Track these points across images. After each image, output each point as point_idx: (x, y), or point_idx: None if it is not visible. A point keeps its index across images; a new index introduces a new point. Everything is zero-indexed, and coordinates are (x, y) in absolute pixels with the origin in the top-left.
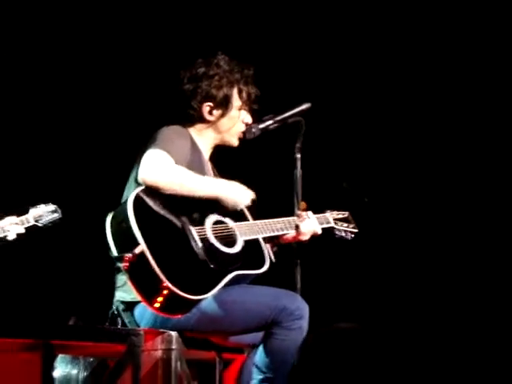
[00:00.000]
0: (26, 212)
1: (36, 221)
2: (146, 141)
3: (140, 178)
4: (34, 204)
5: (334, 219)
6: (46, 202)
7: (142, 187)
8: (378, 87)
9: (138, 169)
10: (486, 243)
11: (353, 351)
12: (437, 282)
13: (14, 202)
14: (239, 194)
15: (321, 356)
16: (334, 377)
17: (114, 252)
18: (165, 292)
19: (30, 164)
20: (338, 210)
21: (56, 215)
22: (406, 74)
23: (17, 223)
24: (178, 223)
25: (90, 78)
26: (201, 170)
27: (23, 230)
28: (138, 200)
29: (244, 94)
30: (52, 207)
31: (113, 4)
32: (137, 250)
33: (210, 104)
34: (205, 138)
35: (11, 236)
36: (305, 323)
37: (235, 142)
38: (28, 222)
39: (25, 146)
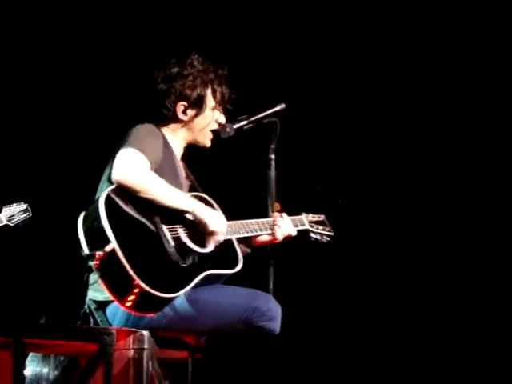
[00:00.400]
0: None
1: (8, 220)
2: (120, 139)
3: (113, 178)
4: (5, 203)
5: (310, 222)
6: (17, 200)
7: (115, 186)
8: (351, 88)
9: (111, 168)
10: (466, 243)
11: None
12: (412, 282)
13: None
14: (211, 220)
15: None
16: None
17: (86, 250)
18: (136, 290)
19: (2, 162)
20: (314, 213)
21: (27, 214)
22: (381, 75)
23: None
24: (150, 222)
25: (61, 78)
26: (173, 170)
27: None
28: (110, 199)
29: (218, 94)
30: (23, 206)
31: (84, 5)
32: (108, 248)
33: (184, 104)
34: (177, 138)
35: None
36: (277, 324)
37: (208, 143)
38: (1, 222)
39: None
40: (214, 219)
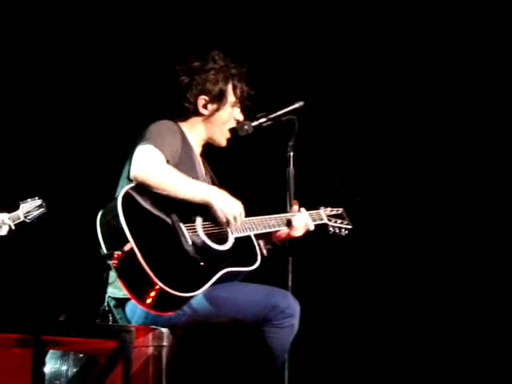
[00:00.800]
0: (17, 208)
1: (25, 217)
2: (136, 135)
3: (131, 175)
4: (22, 198)
5: (328, 216)
6: (33, 195)
7: (133, 184)
8: (370, 86)
9: (129, 165)
10: (479, 242)
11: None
12: (430, 280)
13: (4, 196)
14: (227, 206)
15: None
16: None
17: (104, 249)
18: (154, 290)
19: (23, 159)
20: (332, 207)
21: (42, 210)
22: (399, 73)
23: (8, 219)
24: (168, 220)
25: (80, 72)
26: (191, 166)
27: (13, 227)
28: (127, 197)
29: (238, 91)
30: (38, 202)
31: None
32: (126, 248)
33: (205, 98)
34: (196, 134)
35: (2, 232)
36: (295, 321)
37: (224, 142)
38: (18, 219)
39: (16, 141)
40: (231, 206)
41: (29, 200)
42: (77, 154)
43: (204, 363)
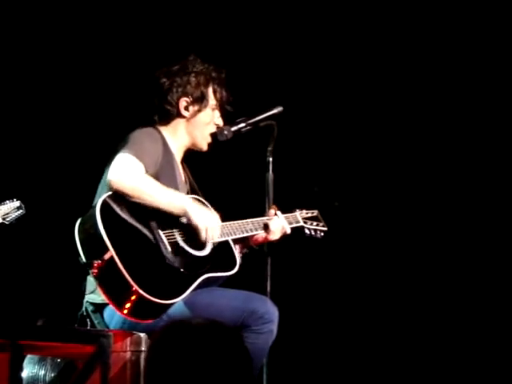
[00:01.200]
0: None
1: (3, 219)
2: (117, 142)
3: (108, 183)
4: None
5: (304, 218)
6: (15, 197)
7: (111, 192)
8: (348, 89)
9: (107, 172)
10: (470, 243)
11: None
12: (406, 282)
13: None
14: (203, 219)
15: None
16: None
17: (83, 257)
18: (134, 297)
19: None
20: (307, 209)
21: (21, 211)
22: (376, 75)
23: None
24: (147, 227)
25: (63, 76)
26: (172, 174)
27: None
28: (106, 205)
29: (218, 94)
30: (17, 203)
31: (85, 6)
32: (106, 256)
33: (187, 99)
34: (178, 139)
35: None
36: (274, 327)
37: (205, 146)
38: None
39: None
40: (206, 220)
41: (7, 201)
42: (58, 157)
43: (182, 366)
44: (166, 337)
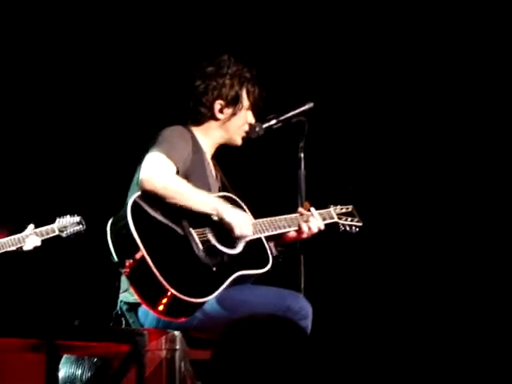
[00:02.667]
0: (53, 221)
1: (60, 231)
2: (147, 142)
3: (139, 184)
4: (53, 214)
5: (338, 214)
6: (61, 212)
7: (140, 191)
8: (378, 88)
9: (138, 172)
10: (482, 243)
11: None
12: (435, 279)
13: (40, 210)
14: (236, 220)
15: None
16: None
17: (115, 257)
18: (167, 296)
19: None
20: (342, 205)
21: (80, 227)
22: (406, 76)
23: (36, 234)
24: (178, 226)
25: (96, 81)
26: (202, 170)
27: (39, 243)
28: (137, 205)
29: (252, 95)
30: (77, 219)
31: (120, 5)
32: (137, 256)
33: (222, 102)
34: (210, 137)
35: (27, 247)
36: (309, 322)
37: (239, 142)
38: (52, 232)
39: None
40: (239, 220)
41: (67, 216)
42: (97, 163)
43: (252, 361)
44: (232, 334)
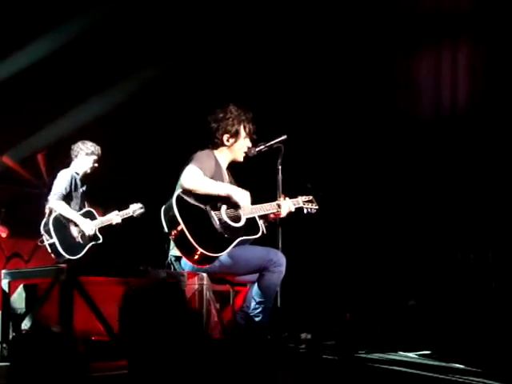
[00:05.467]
0: (127, 207)
1: (133, 213)
2: (187, 159)
3: (181, 184)
4: (127, 202)
5: (303, 201)
6: (133, 201)
7: (181, 189)
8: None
9: (180, 177)
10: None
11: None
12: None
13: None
14: (240, 196)
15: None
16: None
17: (166, 229)
18: (197, 253)
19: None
20: (306, 195)
21: (143, 210)
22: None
23: (117, 215)
24: (204, 210)
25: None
26: (221, 176)
27: (120, 220)
28: (179, 197)
29: (247, 129)
30: (140, 205)
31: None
32: (178, 228)
33: (227, 135)
34: (223, 156)
35: (114, 222)
36: (283, 268)
37: (241, 159)
38: (128, 214)
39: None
40: (242, 196)
41: (134, 203)
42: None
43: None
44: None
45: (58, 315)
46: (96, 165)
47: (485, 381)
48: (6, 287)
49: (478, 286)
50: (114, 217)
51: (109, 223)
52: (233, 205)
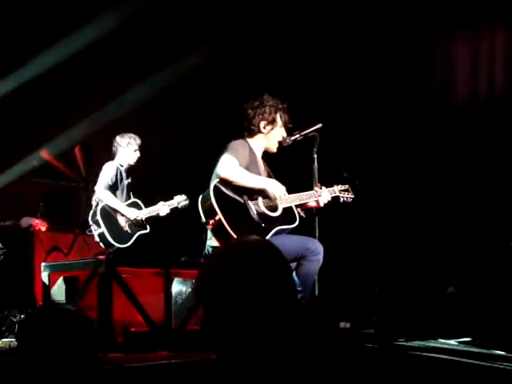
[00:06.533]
0: (172, 198)
1: (178, 204)
2: (221, 149)
3: (217, 173)
4: (173, 194)
5: (339, 190)
6: (177, 192)
7: (218, 179)
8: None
9: (216, 166)
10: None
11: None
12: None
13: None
14: (275, 189)
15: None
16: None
17: (203, 219)
18: None
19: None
20: (342, 184)
21: (187, 202)
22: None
23: (164, 206)
24: (241, 200)
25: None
26: (256, 165)
27: (168, 211)
28: (216, 187)
29: (283, 118)
30: (185, 197)
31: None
32: (216, 218)
33: (264, 122)
34: (258, 145)
35: (162, 213)
36: (321, 257)
37: (275, 150)
38: (173, 205)
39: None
40: (278, 189)
41: (179, 195)
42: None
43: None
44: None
45: (97, 307)
46: (138, 154)
47: None
48: (46, 279)
49: None
50: (162, 207)
51: (156, 213)
52: (269, 197)
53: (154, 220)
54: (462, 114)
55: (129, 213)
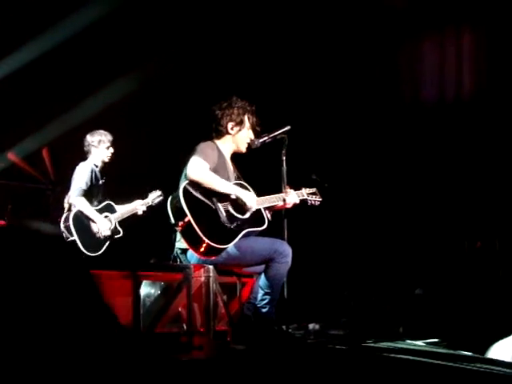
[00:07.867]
0: (146, 196)
1: (152, 202)
2: (191, 151)
3: (187, 175)
4: (147, 191)
5: (307, 193)
6: (154, 189)
7: (188, 181)
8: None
9: (185, 168)
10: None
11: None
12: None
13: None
14: (246, 198)
15: None
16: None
17: (172, 220)
18: (204, 245)
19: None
20: (310, 187)
21: (161, 198)
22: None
23: (142, 204)
24: (211, 202)
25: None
26: (225, 167)
27: (145, 209)
28: (185, 189)
29: (251, 120)
30: (159, 193)
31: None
32: (186, 219)
33: (232, 123)
34: (226, 147)
35: (139, 212)
36: (289, 259)
37: (244, 150)
38: (148, 204)
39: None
40: (248, 199)
41: (153, 191)
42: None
43: None
44: None
45: None
46: (111, 151)
47: (492, 367)
48: None
49: (485, 274)
50: (139, 206)
51: (130, 214)
52: (238, 201)
53: (130, 219)
54: (430, 115)
55: (101, 224)
